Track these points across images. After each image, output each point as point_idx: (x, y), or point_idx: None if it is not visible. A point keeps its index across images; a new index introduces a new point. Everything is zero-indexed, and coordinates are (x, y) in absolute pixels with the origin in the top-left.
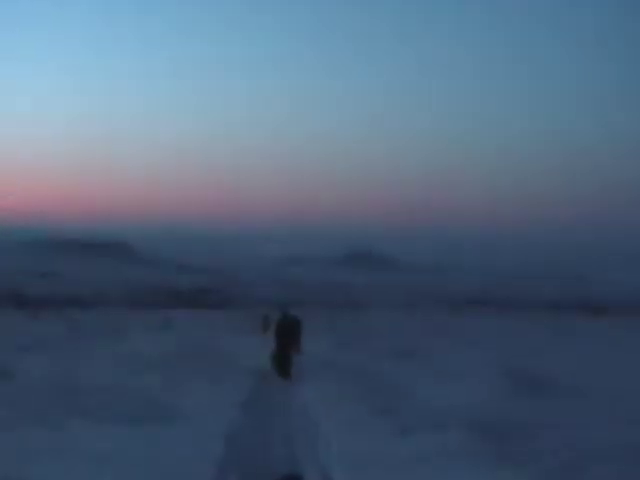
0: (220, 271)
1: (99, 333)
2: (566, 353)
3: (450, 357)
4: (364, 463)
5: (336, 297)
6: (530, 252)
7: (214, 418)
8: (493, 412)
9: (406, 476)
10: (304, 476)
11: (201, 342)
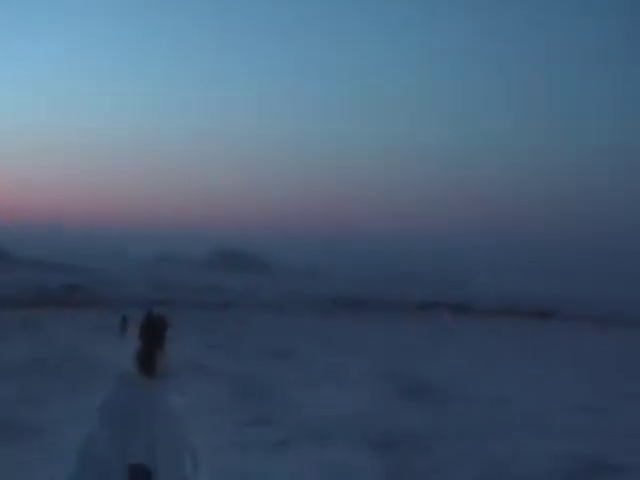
0: (89, 270)
1: None
2: (445, 355)
3: (327, 360)
4: None
5: (206, 298)
6: (405, 254)
7: (71, 431)
8: (380, 421)
9: None
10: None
11: (64, 344)
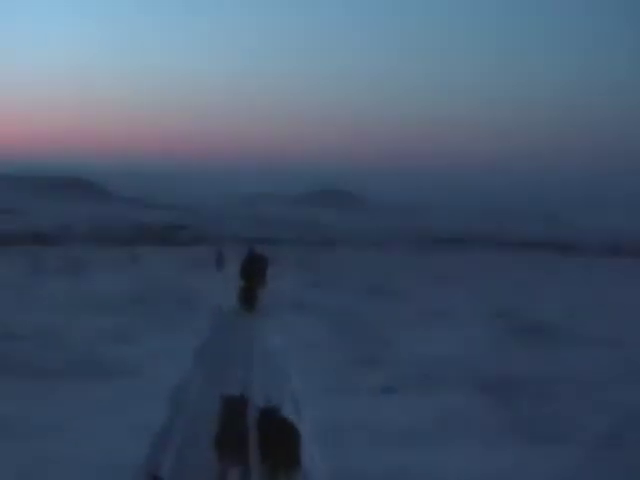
0: (188, 208)
1: (59, 271)
2: (552, 294)
3: (433, 298)
4: (344, 433)
5: (305, 234)
6: (503, 191)
7: (167, 368)
8: (495, 364)
9: (401, 456)
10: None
11: (163, 280)
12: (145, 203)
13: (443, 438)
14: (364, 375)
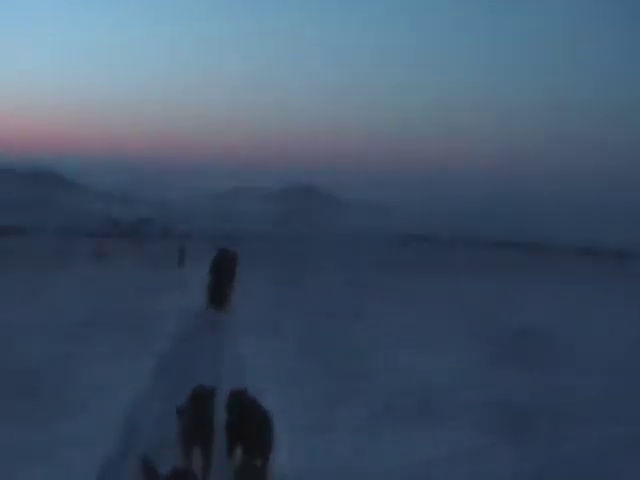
0: (159, 203)
1: (23, 266)
2: (533, 297)
3: (414, 308)
4: None
5: (276, 232)
6: (474, 192)
7: (123, 395)
8: (495, 392)
9: None
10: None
11: (129, 278)
12: (117, 198)
13: None
14: (346, 407)
